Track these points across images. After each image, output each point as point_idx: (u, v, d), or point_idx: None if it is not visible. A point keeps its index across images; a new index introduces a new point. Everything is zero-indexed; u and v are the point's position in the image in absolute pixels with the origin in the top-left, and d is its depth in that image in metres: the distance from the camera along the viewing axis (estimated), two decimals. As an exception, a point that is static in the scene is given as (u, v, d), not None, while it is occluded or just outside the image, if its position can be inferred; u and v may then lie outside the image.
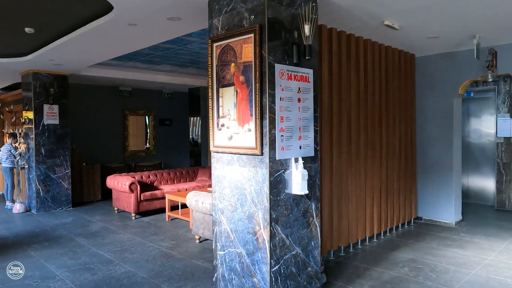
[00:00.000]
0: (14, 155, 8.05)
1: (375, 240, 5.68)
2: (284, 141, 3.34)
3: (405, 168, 6.29)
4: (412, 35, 5.22)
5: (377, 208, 5.63)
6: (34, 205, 7.85)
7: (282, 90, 3.32)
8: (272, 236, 3.25)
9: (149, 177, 8.06)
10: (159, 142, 11.33)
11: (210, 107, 3.67)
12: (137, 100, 10.80)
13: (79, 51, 6.14)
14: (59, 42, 5.58)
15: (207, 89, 10.15)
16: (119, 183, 7.25)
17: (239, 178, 3.45)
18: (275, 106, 3.26)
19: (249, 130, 3.32)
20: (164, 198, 7.42)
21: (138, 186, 7.15)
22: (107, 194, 8.63)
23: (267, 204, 3.23)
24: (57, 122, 8.01)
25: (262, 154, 3.24)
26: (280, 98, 3.31)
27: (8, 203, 8.25)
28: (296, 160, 3.42)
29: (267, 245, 3.24)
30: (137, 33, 4.99)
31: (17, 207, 7.87)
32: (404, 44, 5.86)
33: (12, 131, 8.55)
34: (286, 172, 3.37)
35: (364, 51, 5.34)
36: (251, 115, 3.29)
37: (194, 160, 10.99)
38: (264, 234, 3.26)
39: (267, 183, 3.22)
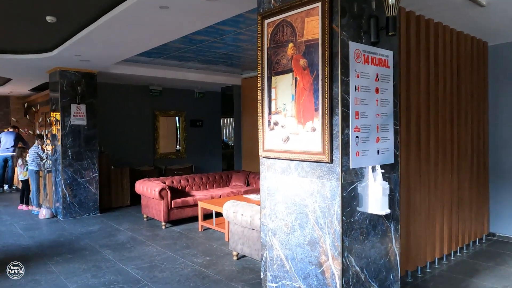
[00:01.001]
0: (41, 157, 7.59)
1: (444, 261, 4.73)
2: (360, 144, 2.52)
3: (477, 176, 5.29)
4: (496, 15, 4.26)
5: (447, 224, 4.68)
6: (61, 211, 7.34)
7: (358, 76, 2.50)
8: (344, 269, 2.43)
9: (180, 182, 7.39)
10: (190, 144, 10.71)
11: (260, 101, 2.89)
12: (167, 100, 10.22)
13: (106, 44, 5.53)
14: (84, 33, 4.97)
15: (240, 88, 9.33)
16: (149, 189, 6.60)
17: (298, 191, 2.65)
18: (348, 97, 2.45)
19: (313, 130, 2.51)
20: (196, 205, 6.72)
21: (169, 193, 6.48)
22: (136, 199, 8.03)
23: (338, 227, 2.41)
24: (84, 122, 7.48)
25: (331, 161, 2.43)
26: (355, 87, 2.49)
27: (34, 208, 7.79)
28: (374, 169, 2.59)
29: (338, 281, 2.42)
30: (169, 18, 4.29)
31: (43, 213, 7.38)
32: (477, 29, 4.90)
33: (39, 133, 8.11)
34: (361, 185, 2.54)
35: (434, 36, 4.42)
36: (317, 109, 2.48)
37: (227, 164, 10.29)
38: (333, 266, 2.44)
39: (338, 200, 2.40)
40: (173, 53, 7.02)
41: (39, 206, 7.71)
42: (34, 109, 8.71)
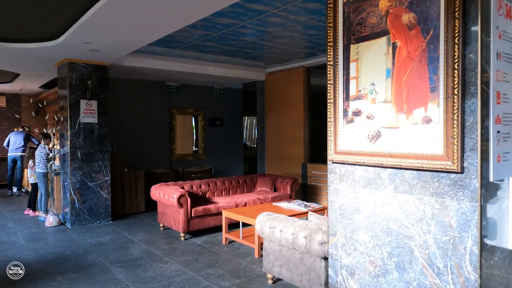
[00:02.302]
0: (48, 158, 6.83)
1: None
2: (501, 143, 1.61)
3: None
4: None
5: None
6: (69, 218, 6.57)
7: (499, 37, 1.59)
8: None
9: (200, 187, 6.53)
10: (209, 145, 9.86)
11: (330, 82, 2.00)
12: (185, 97, 9.39)
13: (116, 27, 4.70)
14: (91, 13, 4.16)
15: (264, 83, 8.38)
16: (166, 195, 5.76)
17: (396, 214, 1.75)
18: (489, 69, 1.54)
19: (427, 121, 1.61)
20: (219, 214, 5.86)
21: (189, 200, 5.62)
22: (152, 205, 7.19)
23: (473, 276, 1.49)
24: (95, 120, 6.69)
25: (461, 170, 1.52)
26: (497, 54, 1.58)
27: (41, 214, 7.04)
28: (516, 182, 1.67)
29: None
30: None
31: (50, 220, 6.61)
32: None
33: (45, 131, 7.37)
34: (500, 207, 1.63)
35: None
36: (434, 89, 1.57)
37: (248, 166, 9.41)
38: (462, 336, 1.54)
39: (474, 232, 1.49)
40: (193, 42, 6.18)
41: (47, 212, 6.95)
42: (40, 106, 7.98)
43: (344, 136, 1.93)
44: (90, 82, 6.52)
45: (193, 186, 6.43)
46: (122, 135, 8.23)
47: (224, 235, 5.45)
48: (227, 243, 5.45)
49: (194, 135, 9.79)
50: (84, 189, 6.58)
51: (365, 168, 1.87)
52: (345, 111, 1.92)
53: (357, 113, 1.87)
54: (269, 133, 8.77)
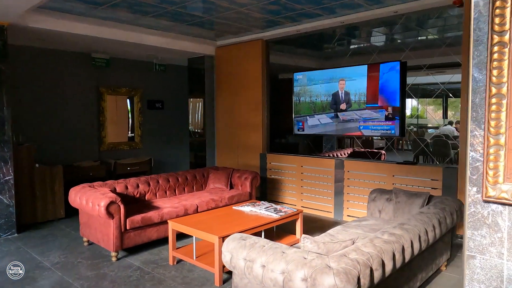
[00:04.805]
0: None
1: None
2: None
3: None
4: None
5: None
6: (-48, 234, 4.75)
7: None
8: None
9: (137, 186, 5.04)
10: (148, 131, 8.24)
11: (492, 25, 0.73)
12: (117, 74, 7.63)
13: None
14: None
15: (214, 59, 6.44)
16: (90, 203, 4.20)
17: None
18: None
19: None
20: (163, 223, 4.48)
21: (122, 208, 4.15)
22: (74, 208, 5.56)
23: None
24: (-12, 100, 4.86)
25: None
26: None
27: None
28: None
29: None
30: None
31: None
32: None
33: None
34: None
35: None
36: None
37: (194, 155, 8.01)
38: None
39: None
40: (126, -4, 4.59)
41: None
42: None
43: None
44: (-23, 47, 4.66)
45: (128, 186, 4.94)
46: (31, 120, 6.37)
47: (172, 253, 4.08)
48: (175, 263, 4.10)
49: (130, 120, 8.12)
50: (-26, 194, 4.77)
51: None
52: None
53: None
54: (219, 118, 7.44)
